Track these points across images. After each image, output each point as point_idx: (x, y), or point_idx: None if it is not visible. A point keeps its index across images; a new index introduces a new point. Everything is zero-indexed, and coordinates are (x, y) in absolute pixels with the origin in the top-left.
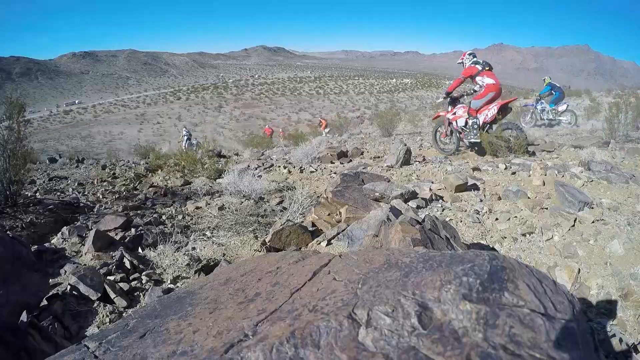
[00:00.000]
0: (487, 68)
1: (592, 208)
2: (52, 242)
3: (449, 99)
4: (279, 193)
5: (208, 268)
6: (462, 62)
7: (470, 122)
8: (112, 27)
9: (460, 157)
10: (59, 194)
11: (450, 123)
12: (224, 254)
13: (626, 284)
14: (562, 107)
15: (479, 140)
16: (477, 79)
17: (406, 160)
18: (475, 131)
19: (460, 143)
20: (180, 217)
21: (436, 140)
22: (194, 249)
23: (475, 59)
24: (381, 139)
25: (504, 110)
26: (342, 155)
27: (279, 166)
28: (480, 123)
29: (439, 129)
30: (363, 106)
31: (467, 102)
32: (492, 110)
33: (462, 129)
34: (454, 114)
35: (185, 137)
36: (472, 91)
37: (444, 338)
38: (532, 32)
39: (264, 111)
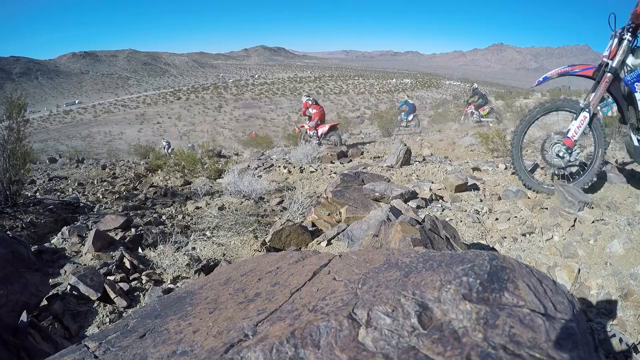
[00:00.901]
0: (314, 103)
1: (592, 208)
2: (52, 242)
3: (307, 117)
4: (279, 193)
5: (208, 268)
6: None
7: (312, 133)
8: (112, 27)
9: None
10: (59, 194)
11: (306, 132)
12: (224, 254)
13: (626, 284)
14: (410, 117)
15: (319, 142)
16: (309, 109)
17: (406, 160)
18: (315, 139)
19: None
20: (180, 217)
21: (301, 140)
22: (194, 249)
23: (308, 98)
24: (381, 139)
25: (332, 128)
26: (342, 155)
27: (279, 166)
28: (319, 134)
29: (304, 135)
30: (363, 106)
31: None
32: (326, 127)
33: (311, 136)
34: (309, 127)
35: (166, 147)
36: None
37: (444, 338)
38: (532, 32)
39: (264, 111)
